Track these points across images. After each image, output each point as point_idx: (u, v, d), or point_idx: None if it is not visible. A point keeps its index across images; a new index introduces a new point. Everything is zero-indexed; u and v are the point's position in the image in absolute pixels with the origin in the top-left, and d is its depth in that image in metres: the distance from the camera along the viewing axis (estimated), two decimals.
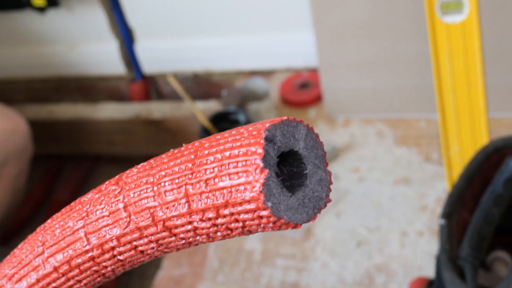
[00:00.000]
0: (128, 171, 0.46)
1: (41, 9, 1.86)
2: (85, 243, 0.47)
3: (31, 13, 1.95)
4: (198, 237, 0.43)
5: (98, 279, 0.49)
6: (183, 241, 0.44)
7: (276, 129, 0.39)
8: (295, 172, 0.41)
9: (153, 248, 0.45)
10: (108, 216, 0.45)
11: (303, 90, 1.72)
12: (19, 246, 0.52)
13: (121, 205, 0.44)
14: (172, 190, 0.42)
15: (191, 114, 1.73)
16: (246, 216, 0.39)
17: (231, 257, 1.38)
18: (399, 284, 1.23)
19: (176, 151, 0.43)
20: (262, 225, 0.40)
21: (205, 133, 1.47)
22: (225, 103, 1.59)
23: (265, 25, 1.81)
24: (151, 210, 0.43)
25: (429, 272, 1.22)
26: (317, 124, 1.62)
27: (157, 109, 1.84)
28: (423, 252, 1.28)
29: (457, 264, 0.84)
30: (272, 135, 0.39)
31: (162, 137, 1.85)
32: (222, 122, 1.51)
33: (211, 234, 0.42)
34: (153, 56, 1.94)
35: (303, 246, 1.35)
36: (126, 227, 0.44)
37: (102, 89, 2.08)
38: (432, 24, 1.14)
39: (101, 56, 1.99)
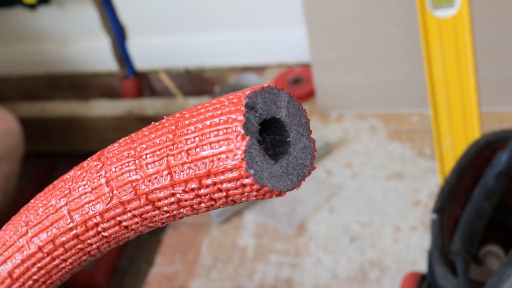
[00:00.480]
0: (109, 146, 0.45)
1: (32, 6, 1.85)
2: (69, 220, 0.46)
3: (22, 11, 1.94)
4: (182, 210, 0.42)
5: (84, 257, 0.49)
6: (167, 214, 0.43)
7: (257, 96, 0.38)
8: (278, 140, 0.41)
9: (137, 222, 0.45)
10: (90, 192, 0.44)
11: (295, 86, 1.71)
12: (3, 227, 0.52)
13: (103, 180, 0.44)
14: (153, 162, 0.41)
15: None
16: (229, 185, 0.39)
17: (224, 253, 1.37)
18: (392, 279, 1.23)
19: (157, 124, 0.43)
20: (245, 194, 0.39)
21: None
22: None
23: (257, 21, 1.81)
24: (134, 184, 0.42)
25: (422, 266, 1.22)
26: (310, 119, 1.62)
27: (149, 106, 1.83)
28: (416, 247, 1.27)
29: (448, 259, 0.84)
30: (253, 102, 0.38)
31: None
32: None
33: (195, 206, 0.42)
34: (145, 53, 1.93)
35: (297, 242, 1.35)
36: (109, 202, 0.44)
37: (95, 86, 2.08)
38: (424, 18, 1.14)
39: (93, 53, 1.99)
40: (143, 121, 1.82)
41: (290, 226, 1.38)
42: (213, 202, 0.41)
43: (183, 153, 0.40)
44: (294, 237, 1.36)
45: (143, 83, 1.93)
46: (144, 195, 0.42)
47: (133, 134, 0.44)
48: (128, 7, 1.85)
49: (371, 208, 1.37)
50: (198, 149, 0.39)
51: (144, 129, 0.44)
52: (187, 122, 0.40)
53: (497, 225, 0.99)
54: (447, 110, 1.19)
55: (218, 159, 0.38)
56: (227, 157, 0.38)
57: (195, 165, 0.39)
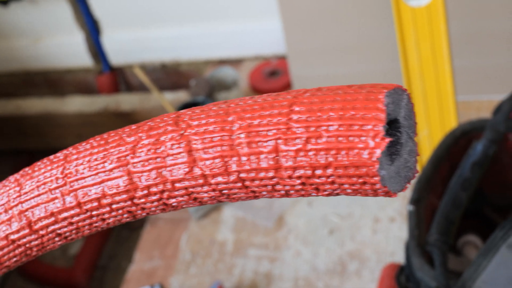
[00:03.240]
0: (189, 112, 0.42)
1: (3, 3, 1.82)
2: (127, 182, 0.42)
3: None
4: (275, 193, 0.40)
5: (128, 219, 0.45)
6: (252, 194, 0.41)
7: (391, 96, 0.37)
8: (392, 141, 0.40)
9: (212, 197, 0.42)
10: (171, 156, 0.41)
11: (272, 78, 1.70)
12: (30, 169, 0.46)
13: (183, 149, 0.40)
14: (255, 142, 0.38)
15: (160, 105, 1.71)
16: (347, 179, 0.37)
17: (203, 248, 1.37)
18: (372, 270, 1.23)
19: (270, 98, 0.40)
20: (360, 191, 0.38)
21: None
22: (193, 93, 1.57)
23: (232, 13, 1.79)
24: (225, 160, 0.39)
25: (402, 257, 1.21)
26: None
27: (126, 101, 1.82)
28: (396, 238, 1.27)
29: (425, 250, 0.84)
30: (387, 102, 0.37)
31: None
32: None
33: (291, 192, 0.40)
34: (120, 47, 1.91)
35: (276, 235, 1.34)
36: (189, 172, 0.40)
37: (70, 82, 2.05)
38: (397, 8, 1.14)
39: (67, 48, 1.96)
40: (119, 116, 1.80)
41: (269, 219, 1.37)
42: (315, 192, 0.39)
43: (298, 140, 0.37)
44: (273, 230, 1.36)
45: (119, 78, 1.91)
46: (236, 173, 0.39)
47: (223, 105, 0.41)
48: (101, 1, 1.82)
49: (349, 199, 1.36)
50: (321, 139, 0.37)
51: (248, 99, 0.40)
52: (303, 108, 0.38)
53: (475, 215, 0.99)
54: (423, 99, 1.19)
55: (347, 154, 0.37)
56: (359, 153, 0.36)
57: (314, 154, 0.37)
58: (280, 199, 1.40)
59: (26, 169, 0.47)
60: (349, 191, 0.38)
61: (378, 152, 0.36)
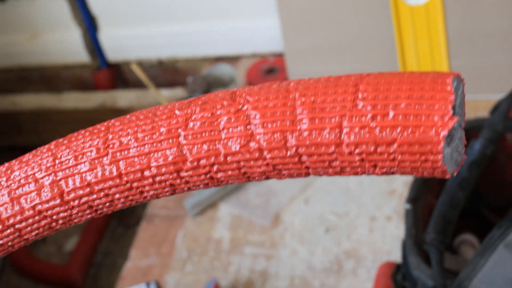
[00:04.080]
0: (246, 89, 0.42)
1: None
2: (176, 154, 0.42)
3: None
4: (329, 169, 0.40)
5: (167, 193, 0.44)
6: (306, 170, 0.41)
7: (454, 82, 0.39)
8: None
9: (262, 172, 0.42)
10: (227, 129, 0.41)
11: (269, 76, 1.70)
12: (63, 141, 0.45)
13: (241, 122, 0.41)
14: (315, 118, 0.39)
15: (157, 102, 1.71)
16: (409, 156, 0.38)
17: (199, 246, 1.36)
18: (368, 269, 1.23)
19: (333, 78, 0.41)
20: (418, 169, 0.39)
21: None
22: (190, 90, 1.57)
23: (230, 10, 1.79)
24: (285, 134, 0.40)
25: (398, 256, 1.22)
26: None
27: (122, 98, 1.81)
28: (392, 237, 1.27)
29: (422, 249, 0.84)
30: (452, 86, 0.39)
31: None
32: None
33: (347, 169, 0.40)
34: (118, 44, 1.91)
35: (272, 233, 1.34)
36: (245, 145, 0.41)
37: (66, 78, 2.05)
38: (396, 6, 1.13)
39: (64, 44, 1.96)
40: (116, 113, 1.80)
41: (265, 217, 1.37)
42: (372, 169, 0.40)
43: (364, 117, 0.38)
44: (269, 228, 1.35)
45: (116, 75, 1.91)
46: (294, 147, 0.40)
47: (282, 83, 0.41)
48: None
49: (346, 198, 1.36)
50: (388, 117, 0.38)
51: (308, 80, 0.41)
52: (369, 87, 0.39)
53: (471, 214, 0.99)
54: None
55: (413, 131, 0.38)
56: (426, 131, 0.37)
57: (380, 131, 0.38)
58: (276, 197, 1.39)
59: (60, 140, 0.45)
60: (407, 168, 0.39)
61: (445, 130, 0.37)
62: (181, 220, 1.43)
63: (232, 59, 1.82)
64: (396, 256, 1.22)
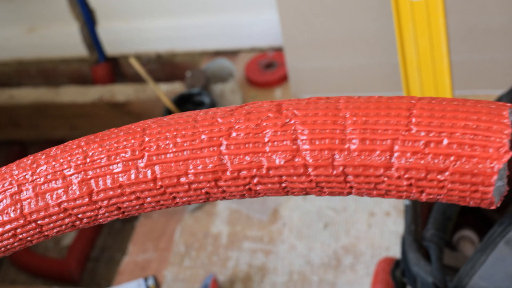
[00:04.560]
0: (292, 102, 0.42)
1: None
2: (216, 162, 0.41)
3: None
4: (373, 191, 0.40)
5: (201, 200, 0.44)
6: (349, 190, 0.41)
7: (511, 114, 0.38)
8: None
9: (302, 189, 0.42)
10: (272, 143, 0.41)
11: (268, 70, 1.70)
12: (101, 136, 0.44)
13: (288, 137, 0.40)
14: (366, 139, 0.39)
15: (155, 96, 1.70)
16: (459, 185, 0.38)
17: (197, 241, 1.36)
18: (367, 264, 1.23)
19: (391, 99, 0.40)
20: (466, 198, 0.39)
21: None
22: (189, 85, 1.56)
23: (229, 5, 1.78)
24: (332, 153, 0.39)
25: (396, 252, 1.21)
26: None
27: (120, 92, 1.81)
28: (391, 232, 1.27)
29: (422, 245, 0.83)
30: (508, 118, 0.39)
31: (126, 120, 1.81)
32: (186, 104, 1.49)
33: (392, 192, 0.40)
34: (116, 38, 1.90)
35: (270, 229, 1.34)
36: (291, 159, 0.40)
37: (64, 72, 2.04)
38: (396, 1, 1.13)
39: (62, 38, 1.95)
40: (114, 107, 1.79)
41: (263, 212, 1.37)
42: (417, 195, 0.40)
43: (417, 143, 0.38)
44: (267, 223, 1.35)
45: (114, 69, 1.90)
46: (341, 167, 0.40)
47: (331, 100, 0.41)
48: None
49: None
50: (442, 144, 0.38)
51: (358, 98, 0.41)
52: (424, 113, 0.39)
53: (471, 211, 0.98)
54: (421, 93, 1.18)
55: (467, 161, 0.38)
56: (480, 162, 0.37)
57: (432, 158, 0.38)
58: None
59: (91, 136, 0.44)
60: (454, 197, 0.39)
61: (500, 164, 0.37)
62: (179, 215, 1.42)
63: (231, 54, 1.82)
64: (394, 252, 1.22)
